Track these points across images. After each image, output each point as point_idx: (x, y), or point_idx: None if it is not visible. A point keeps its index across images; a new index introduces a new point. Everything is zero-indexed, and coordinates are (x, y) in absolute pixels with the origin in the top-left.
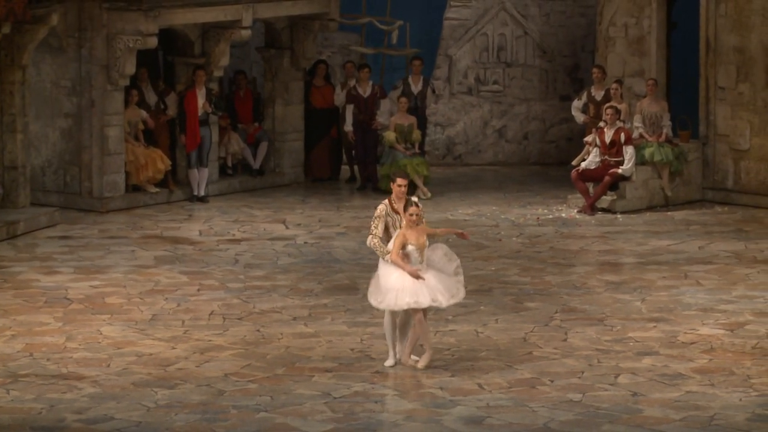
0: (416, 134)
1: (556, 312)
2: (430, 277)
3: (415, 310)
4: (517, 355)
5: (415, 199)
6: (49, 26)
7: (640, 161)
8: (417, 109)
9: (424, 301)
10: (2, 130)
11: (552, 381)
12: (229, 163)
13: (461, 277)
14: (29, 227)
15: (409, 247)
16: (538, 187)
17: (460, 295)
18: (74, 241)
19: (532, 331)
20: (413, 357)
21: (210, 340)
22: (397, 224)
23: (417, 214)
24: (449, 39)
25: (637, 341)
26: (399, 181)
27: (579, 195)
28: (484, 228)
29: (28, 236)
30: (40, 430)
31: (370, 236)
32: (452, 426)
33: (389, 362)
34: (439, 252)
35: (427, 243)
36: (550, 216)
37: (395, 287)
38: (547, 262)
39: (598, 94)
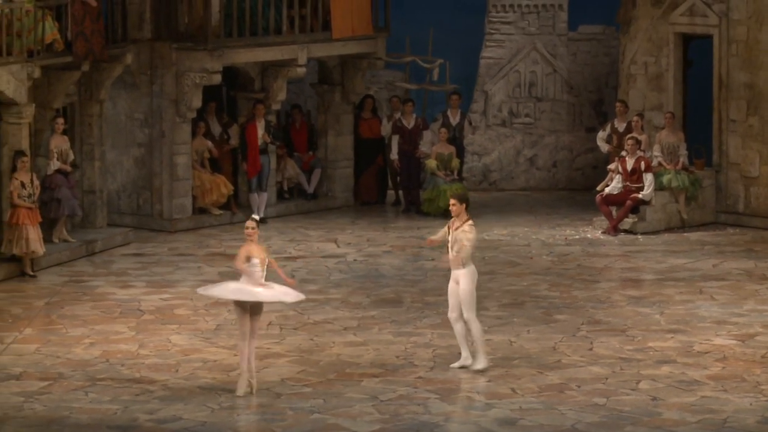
0: (455, 162)
1: (583, 323)
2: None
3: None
4: (547, 363)
5: (255, 217)
6: (124, 64)
7: (658, 187)
8: (456, 139)
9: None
10: (82, 158)
11: (579, 386)
12: (285, 187)
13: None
14: (106, 245)
15: (254, 260)
16: (566, 211)
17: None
18: (146, 258)
19: (560, 341)
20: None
21: (268, 348)
22: (448, 238)
23: (249, 232)
24: (485, 76)
25: (657, 350)
26: (451, 201)
27: (603, 217)
28: (516, 247)
29: (104, 254)
30: (116, 429)
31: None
32: (488, 427)
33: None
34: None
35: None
36: (577, 236)
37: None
38: (575, 278)
39: (621, 126)
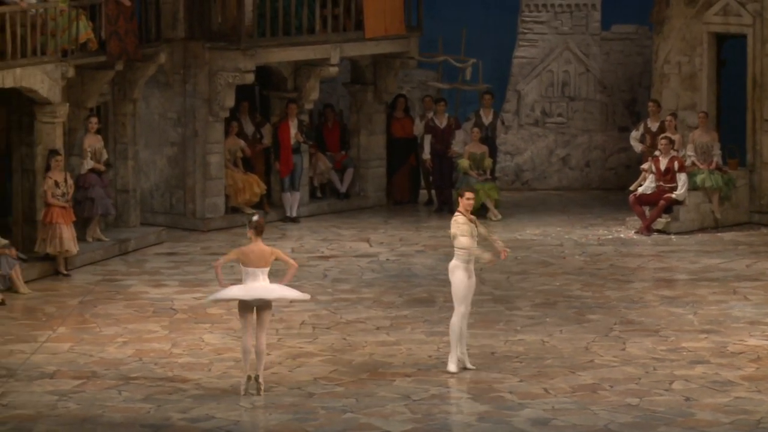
0: (488, 162)
1: (616, 324)
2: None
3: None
4: (579, 363)
5: (255, 217)
6: (158, 64)
7: (692, 187)
8: (488, 138)
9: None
10: (115, 157)
11: (612, 386)
12: (316, 183)
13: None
14: (139, 245)
15: (251, 269)
16: (599, 210)
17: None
18: (179, 257)
19: (593, 341)
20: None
21: (301, 347)
22: (474, 233)
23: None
24: (518, 75)
25: (690, 351)
26: (467, 195)
27: (636, 217)
28: (549, 247)
29: (138, 253)
30: (149, 427)
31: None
32: (521, 427)
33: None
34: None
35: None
36: (610, 236)
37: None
38: (607, 278)
39: (654, 126)
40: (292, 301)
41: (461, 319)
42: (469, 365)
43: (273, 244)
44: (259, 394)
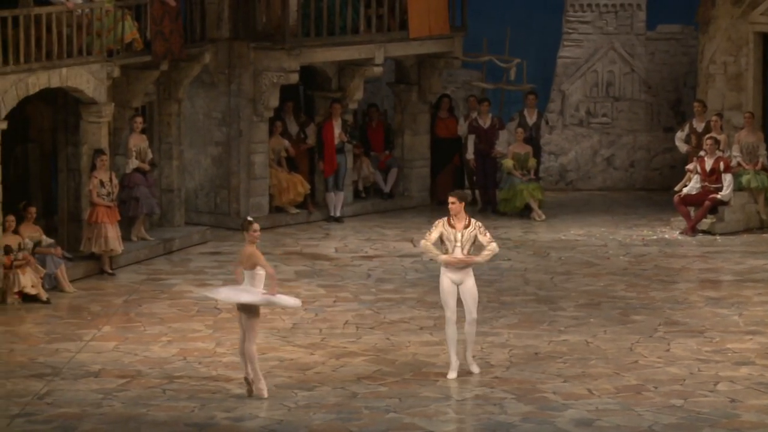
0: (532, 162)
1: (660, 324)
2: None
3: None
4: (623, 364)
5: (250, 218)
6: (203, 64)
7: (737, 187)
8: (532, 139)
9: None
10: (160, 157)
11: (656, 387)
12: (361, 187)
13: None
14: (183, 244)
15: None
16: (644, 211)
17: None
18: (223, 257)
19: (637, 342)
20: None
21: (345, 347)
22: (452, 237)
23: (258, 235)
24: (562, 75)
25: (735, 352)
26: (450, 199)
27: (681, 218)
28: (593, 247)
29: (182, 252)
30: (193, 426)
31: (423, 240)
32: (564, 427)
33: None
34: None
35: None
36: (655, 237)
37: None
38: (652, 278)
39: (700, 126)
40: (284, 308)
41: (447, 325)
42: (473, 370)
43: (316, 245)
44: (249, 395)
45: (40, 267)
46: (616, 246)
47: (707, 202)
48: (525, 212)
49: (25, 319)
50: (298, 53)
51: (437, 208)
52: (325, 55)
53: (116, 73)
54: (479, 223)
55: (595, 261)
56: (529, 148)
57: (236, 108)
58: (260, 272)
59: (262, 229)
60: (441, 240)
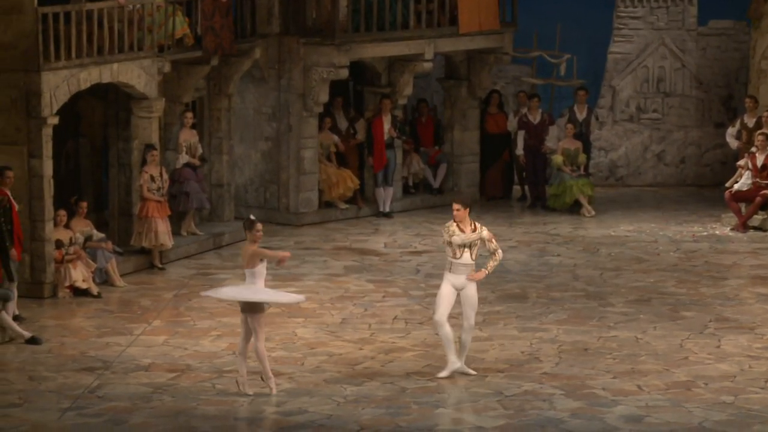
0: (582, 157)
1: (710, 321)
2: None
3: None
4: (673, 360)
5: (252, 217)
6: (253, 59)
7: None
8: (582, 134)
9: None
10: (210, 151)
11: (706, 384)
12: (411, 182)
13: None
14: (233, 239)
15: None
16: (694, 207)
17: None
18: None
19: (687, 338)
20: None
21: (394, 342)
22: (460, 242)
23: (261, 235)
24: (613, 71)
25: None
26: (454, 206)
27: (732, 214)
28: (643, 243)
29: (232, 247)
30: (243, 420)
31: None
32: (614, 424)
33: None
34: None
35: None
36: (705, 233)
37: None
38: (702, 275)
39: (751, 122)
40: (287, 305)
41: (439, 327)
42: (470, 372)
43: (365, 240)
44: (271, 393)
45: (91, 261)
46: (667, 242)
47: (758, 198)
48: (574, 208)
49: (76, 313)
50: (348, 48)
51: (486, 203)
52: (374, 51)
53: (167, 68)
54: (485, 228)
55: (645, 257)
56: (579, 144)
57: (286, 103)
58: (261, 270)
59: (312, 223)
60: (449, 243)
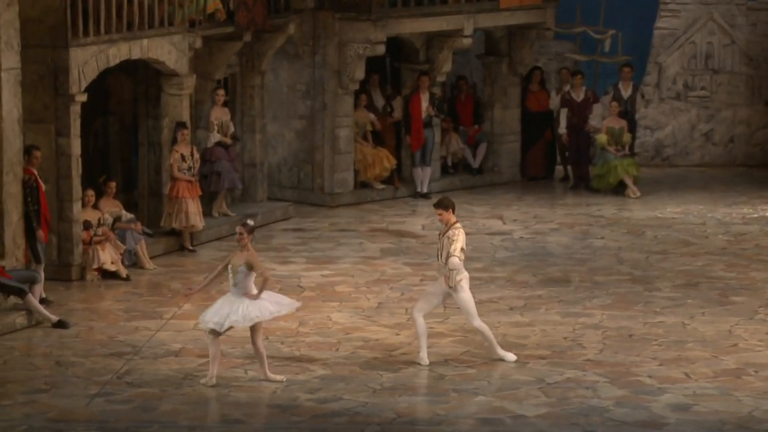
0: (627, 137)
1: (761, 306)
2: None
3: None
4: (722, 347)
5: (250, 222)
6: (287, 35)
7: None
8: (627, 113)
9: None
10: (243, 130)
11: (756, 371)
12: (449, 162)
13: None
14: (266, 220)
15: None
16: (744, 188)
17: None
18: (307, 234)
19: (737, 324)
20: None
21: (431, 328)
22: (438, 246)
23: (239, 238)
24: (659, 47)
25: None
26: (436, 212)
27: None
28: (691, 226)
29: (264, 228)
30: (275, 407)
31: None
32: (660, 412)
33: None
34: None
35: (242, 267)
36: (755, 215)
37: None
38: (752, 258)
39: None
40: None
41: (414, 320)
42: (509, 358)
43: (402, 221)
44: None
45: (119, 243)
46: (715, 224)
47: None
48: (619, 189)
49: (105, 296)
50: (385, 24)
51: (527, 184)
52: (412, 26)
53: (198, 44)
54: (457, 229)
55: (692, 240)
56: (623, 123)
57: (321, 80)
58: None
59: (347, 204)
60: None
